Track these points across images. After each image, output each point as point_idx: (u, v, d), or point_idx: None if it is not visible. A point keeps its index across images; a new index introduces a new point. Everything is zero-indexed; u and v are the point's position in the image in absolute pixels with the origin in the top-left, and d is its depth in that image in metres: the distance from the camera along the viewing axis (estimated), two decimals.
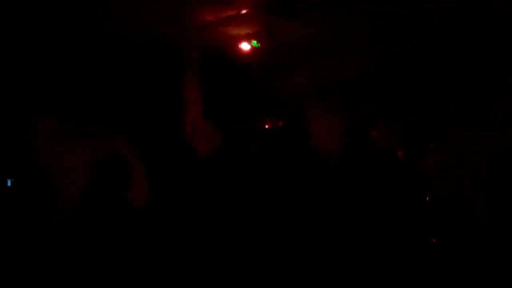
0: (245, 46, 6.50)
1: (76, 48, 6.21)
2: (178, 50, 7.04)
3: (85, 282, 3.82)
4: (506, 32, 5.39)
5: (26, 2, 5.50)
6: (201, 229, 4.87)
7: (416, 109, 6.36)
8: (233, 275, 4.47)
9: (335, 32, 6.29)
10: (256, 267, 4.50)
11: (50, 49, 6.14)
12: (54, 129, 5.96)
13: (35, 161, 5.50)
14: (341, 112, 6.85)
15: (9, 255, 4.47)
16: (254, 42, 6.37)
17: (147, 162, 5.81)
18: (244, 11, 5.74)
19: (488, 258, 4.82)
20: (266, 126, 7.57)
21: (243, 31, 6.38)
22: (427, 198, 5.29)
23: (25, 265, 4.35)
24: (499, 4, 5.12)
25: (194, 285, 4.44)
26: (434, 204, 5.30)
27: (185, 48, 7.17)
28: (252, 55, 6.73)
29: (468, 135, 5.91)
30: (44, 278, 4.05)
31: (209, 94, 7.49)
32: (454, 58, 6.04)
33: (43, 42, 6.08)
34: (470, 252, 4.97)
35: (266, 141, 6.24)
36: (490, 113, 5.79)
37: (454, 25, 5.73)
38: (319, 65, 7.35)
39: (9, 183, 5.44)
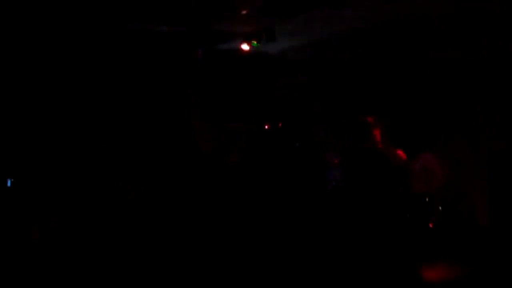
0: (245, 47, 6.50)
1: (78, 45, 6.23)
2: (179, 50, 7.06)
3: (84, 281, 3.82)
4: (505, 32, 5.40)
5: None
6: (200, 227, 4.88)
7: (416, 111, 6.37)
8: (232, 275, 4.47)
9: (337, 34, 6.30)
10: (254, 267, 4.50)
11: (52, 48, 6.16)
12: (57, 129, 5.99)
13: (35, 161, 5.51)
14: (342, 113, 6.87)
15: (9, 255, 4.47)
16: (254, 42, 6.36)
17: (149, 161, 5.83)
18: (244, 12, 5.74)
19: (488, 258, 4.83)
20: (266, 127, 7.57)
21: (243, 31, 6.38)
22: (427, 199, 5.31)
23: (25, 265, 4.35)
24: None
25: (194, 284, 4.44)
26: (433, 204, 5.32)
27: (186, 49, 7.18)
28: (252, 55, 6.74)
29: (469, 136, 5.92)
30: (43, 278, 4.05)
31: (209, 94, 7.50)
32: (454, 60, 6.05)
33: (46, 41, 6.10)
34: (470, 252, 4.99)
35: (266, 142, 6.25)
36: (489, 113, 5.80)
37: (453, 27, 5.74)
38: (320, 67, 7.38)
39: (8, 183, 5.43)
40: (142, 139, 6.18)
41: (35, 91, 6.04)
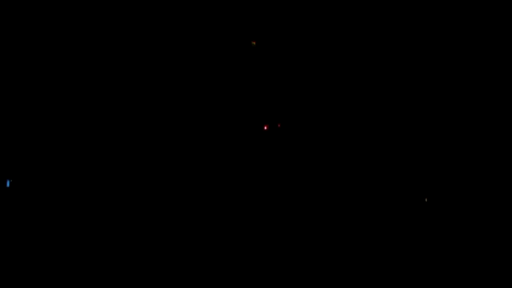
0: (244, 47, 6.52)
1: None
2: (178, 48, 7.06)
3: (85, 281, 3.83)
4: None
5: None
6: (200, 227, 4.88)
7: (414, 109, 6.37)
8: (231, 274, 4.48)
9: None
10: (254, 266, 4.50)
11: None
12: (57, 126, 6.00)
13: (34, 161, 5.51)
14: (340, 112, 6.86)
15: (9, 255, 4.47)
16: (253, 43, 6.38)
17: (148, 160, 5.82)
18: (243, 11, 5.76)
19: (487, 258, 4.84)
20: (265, 128, 7.58)
21: (242, 31, 6.40)
22: (426, 199, 5.31)
23: (25, 265, 4.35)
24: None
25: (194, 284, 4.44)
26: (433, 204, 5.32)
27: (183, 46, 7.19)
28: (251, 55, 6.74)
29: (467, 135, 5.93)
30: (43, 278, 4.05)
31: (207, 93, 7.49)
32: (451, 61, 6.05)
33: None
34: (469, 251, 4.99)
35: (264, 142, 6.26)
36: (487, 112, 5.80)
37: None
38: (319, 67, 7.38)
39: (8, 184, 5.43)
40: (142, 138, 6.18)
41: (35, 91, 6.06)
